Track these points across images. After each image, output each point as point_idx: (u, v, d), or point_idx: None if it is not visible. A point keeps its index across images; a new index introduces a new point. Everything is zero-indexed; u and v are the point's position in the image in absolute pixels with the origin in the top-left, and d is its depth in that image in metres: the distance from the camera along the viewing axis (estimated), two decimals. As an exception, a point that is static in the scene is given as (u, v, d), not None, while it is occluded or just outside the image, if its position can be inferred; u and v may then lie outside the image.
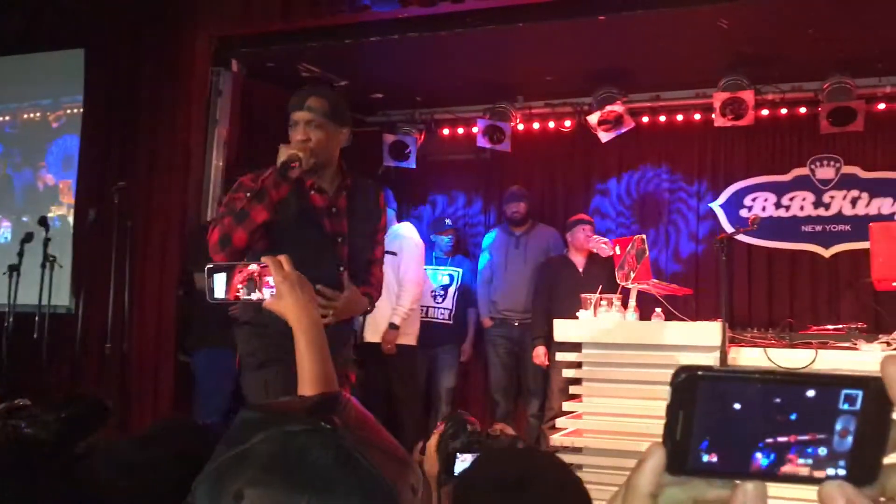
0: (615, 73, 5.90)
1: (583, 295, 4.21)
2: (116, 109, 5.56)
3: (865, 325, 4.12)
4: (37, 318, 5.13)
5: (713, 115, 5.76)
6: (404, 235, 5.78)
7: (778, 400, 0.52)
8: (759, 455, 0.53)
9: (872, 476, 0.52)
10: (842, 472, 0.52)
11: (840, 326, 4.06)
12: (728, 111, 5.65)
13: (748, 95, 5.61)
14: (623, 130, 6.05)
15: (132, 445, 1.34)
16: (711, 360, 3.68)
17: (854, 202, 6.03)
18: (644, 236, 4.25)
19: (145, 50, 5.51)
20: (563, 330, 4.09)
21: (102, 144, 5.59)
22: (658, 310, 4.22)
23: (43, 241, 5.12)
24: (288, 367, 2.78)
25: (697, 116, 6.25)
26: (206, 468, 0.81)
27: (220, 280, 1.64)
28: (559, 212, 6.62)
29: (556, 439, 4.05)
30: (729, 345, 3.65)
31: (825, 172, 6.12)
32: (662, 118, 6.36)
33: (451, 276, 6.15)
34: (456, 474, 1.68)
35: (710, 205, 6.36)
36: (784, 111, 6.08)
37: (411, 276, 5.62)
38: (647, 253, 4.20)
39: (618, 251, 4.31)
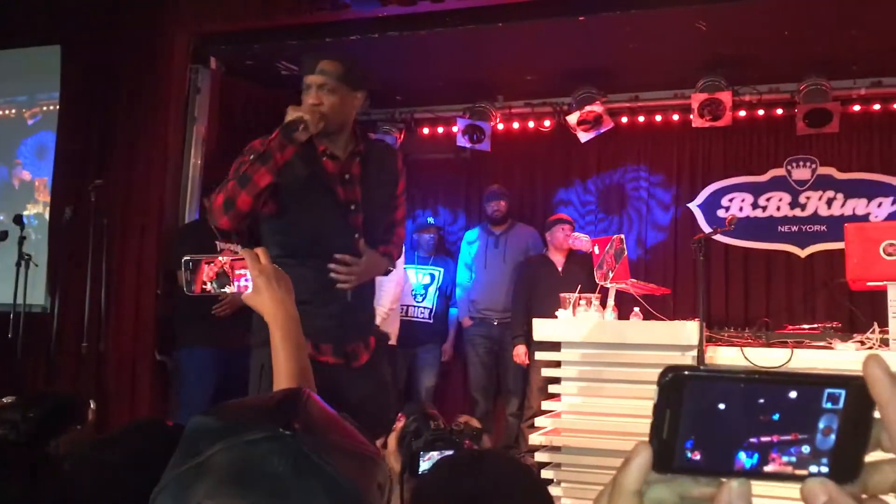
0: (594, 74, 5.92)
1: (562, 294, 4.23)
2: (93, 106, 5.51)
3: (840, 325, 4.16)
4: (11, 317, 5.07)
5: (691, 116, 5.80)
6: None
7: (763, 399, 0.53)
8: (743, 453, 0.53)
9: (854, 474, 0.53)
10: (824, 469, 0.53)
11: (815, 326, 4.10)
12: (706, 112, 5.69)
13: (726, 96, 5.65)
14: (602, 130, 6.08)
15: (99, 446, 1.33)
16: (689, 359, 3.71)
17: (829, 203, 6.10)
18: (622, 236, 4.27)
19: (123, 46, 5.46)
20: (542, 329, 4.10)
21: (79, 142, 5.53)
22: (636, 309, 4.24)
23: (18, 240, 5.06)
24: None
25: (676, 117, 6.30)
26: (164, 479, 0.79)
27: (199, 272, 1.62)
28: (539, 211, 6.65)
29: (534, 438, 4.06)
30: (706, 344, 3.67)
31: (801, 173, 6.18)
32: (641, 118, 6.40)
33: (433, 276, 6.15)
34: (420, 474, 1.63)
35: (688, 205, 6.41)
36: (761, 112, 6.14)
37: (391, 276, 5.60)
38: (626, 253, 4.22)
39: (597, 251, 4.33)
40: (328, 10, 5.02)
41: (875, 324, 3.73)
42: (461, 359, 6.28)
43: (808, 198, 6.15)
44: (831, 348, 3.72)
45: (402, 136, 6.76)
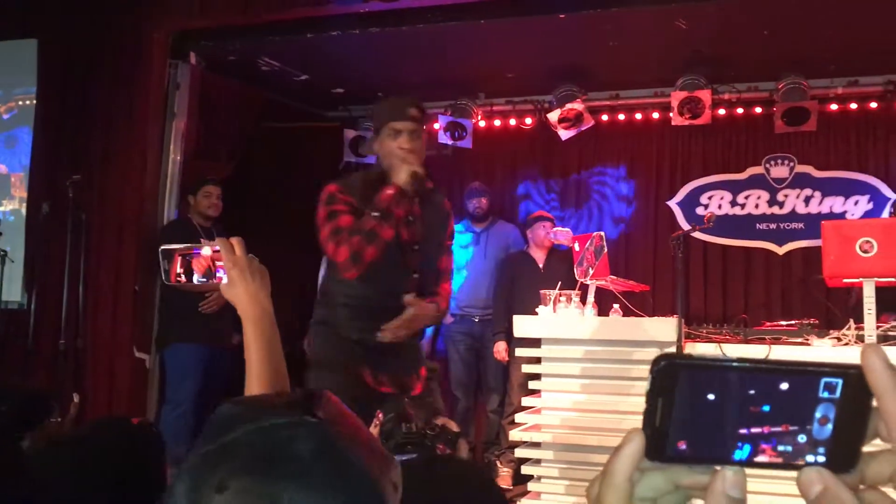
0: (575, 72, 5.94)
1: (542, 291, 4.24)
2: (71, 101, 5.45)
3: (817, 321, 4.20)
4: (-12, 314, 5.03)
5: (671, 114, 5.83)
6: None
7: (758, 388, 0.52)
8: (738, 442, 0.53)
9: (852, 463, 0.52)
10: (821, 458, 0.52)
11: (793, 322, 4.14)
12: (685, 110, 5.73)
13: (705, 95, 5.69)
14: (583, 128, 6.10)
15: (61, 444, 1.32)
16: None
17: (807, 201, 6.16)
18: (602, 233, 4.29)
19: (101, 41, 5.41)
20: (522, 326, 4.12)
21: (56, 137, 5.48)
22: (616, 306, 4.26)
23: (-6, 235, 5.02)
24: (357, 374, 2.86)
25: (656, 115, 6.32)
26: (185, 462, 0.80)
27: (173, 263, 1.59)
28: (520, 208, 6.67)
29: (515, 434, 4.08)
30: (685, 340, 3.70)
31: (779, 171, 6.24)
32: (621, 116, 6.42)
33: None
34: None
35: (668, 202, 6.45)
36: (740, 111, 6.18)
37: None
38: (606, 250, 4.24)
39: (577, 248, 4.35)
40: (308, 5, 5.00)
41: (851, 320, 3.77)
42: (440, 356, 6.28)
43: (786, 196, 6.20)
44: (808, 345, 3.76)
45: (384, 133, 6.74)
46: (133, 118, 5.27)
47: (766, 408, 0.52)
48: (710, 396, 0.53)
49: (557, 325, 4.01)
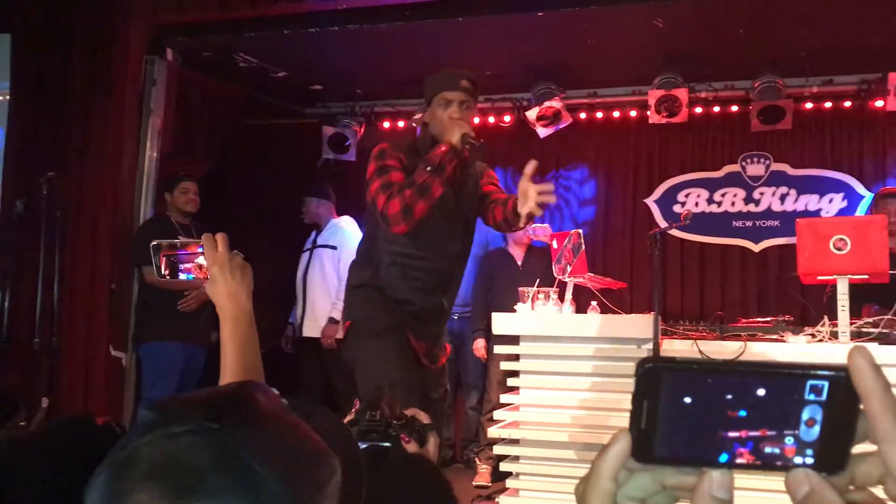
0: (553, 70, 5.96)
1: (520, 288, 4.26)
2: (45, 97, 5.38)
3: (792, 318, 4.24)
4: (-40, 312, 4.96)
5: (648, 113, 5.86)
6: (345, 229, 5.75)
7: (743, 391, 0.52)
8: (725, 444, 0.53)
9: (841, 465, 0.52)
10: (810, 460, 0.52)
11: (768, 319, 4.18)
12: (663, 108, 5.76)
13: (682, 93, 5.72)
14: (561, 126, 6.12)
15: (19, 444, 1.30)
16: (644, 352, 3.76)
17: (783, 198, 6.22)
18: (580, 231, 4.31)
19: (76, 35, 5.34)
20: (500, 323, 4.12)
21: (30, 133, 5.40)
22: (594, 303, 4.28)
23: (-33, 233, 4.95)
24: (406, 338, 2.83)
25: (633, 113, 6.36)
26: (96, 473, 0.78)
27: (160, 259, 1.59)
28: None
29: (493, 431, 4.09)
30: (661, 337, 3.72)
31: (755, 169, 6.29)
32: (599, 114, 6.45)
33: None
34: None
35: (645, 200, 6.49)
36: (717, 109, 6.23)
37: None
38: (584, 247, 4.26)
39: (555, 245, 4.36)
40: (286, 1, 4.97)
41: (825, 317, 3.81)
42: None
43: (761, 193, 6.26)
44: (783, 341, 3.80)
45: (363, 130, 6.73)
46: (109, 115, 5.22)
47: (752, 410, 0.52)
48: (696, 399, 0.53)
49: (536, 322, 4.02)
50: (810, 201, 6.15)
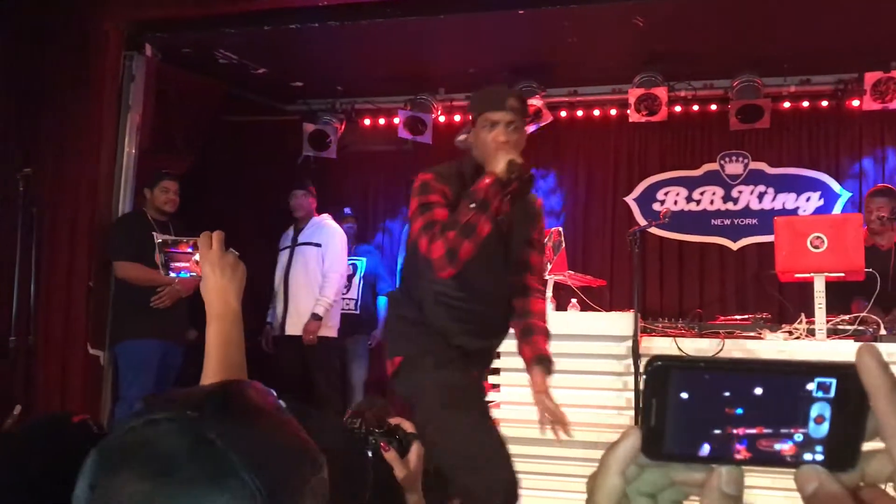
0: (535, 68, 5.97)
1: (501, 286, 4.26)
2: (22, 93, 5.32)
3: (770, 315, 4.29)
4: (-65, 310, 4.90)
5: (628, 111, 5.89)
6: (327, 226, 5.73)
7: (752, 388, 0.52)
8: (735, 441, 0.53)
9: (851, 462, 0.52)
10: (819, 457, 0.53)
11: (746, 316, 4.22)
12: (642, 107, 5.79)
13: (662, 92, 5.76)
14: (542, 124, 6.13)
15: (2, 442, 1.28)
16: (624, 349, 3.78)
17: (761, 197, 6.28)
18: (561, 228, 4.33)
19: (54, 30, 5.28)
20: (481, 320, 4.12)
21: (6, 130, 5.34)
22: (574, 300, 4.30)
23: (-59, 230, 4.88)
24: (466, 368, 2.75)
25: (613, 112, 6.39)
26: (89, 455, 0.80)
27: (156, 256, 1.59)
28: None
29: (474, 429, 4.09)
30: (641, 334, 3.75)
31: (734, 168, 6.34)
32: (580, 113, 6.47)
33: (355, 266, 6.12)
34: None
35: (625, 198, 6.52)
36: (696, 108, 6.27)
37: (336, 267, 5.58)
38: (564, 245, 4.28)
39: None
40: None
41: (802, 314, 3.85)
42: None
43: (740, 192, 6.31)
44: (761, 338, 3.83)
45: (343, 127, 6.71)
46: (87, 111, 5.16)
47: (758, 408, 0.52)
48: (704, 396, 0.53)
49: (516, 319, 4.03)
50: (788, 200, 6.21)
